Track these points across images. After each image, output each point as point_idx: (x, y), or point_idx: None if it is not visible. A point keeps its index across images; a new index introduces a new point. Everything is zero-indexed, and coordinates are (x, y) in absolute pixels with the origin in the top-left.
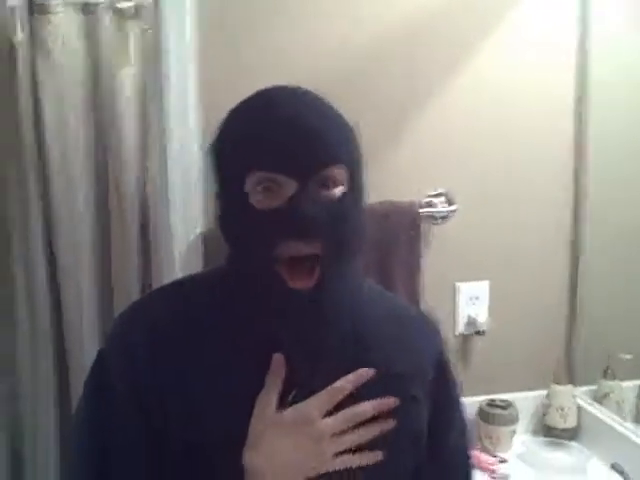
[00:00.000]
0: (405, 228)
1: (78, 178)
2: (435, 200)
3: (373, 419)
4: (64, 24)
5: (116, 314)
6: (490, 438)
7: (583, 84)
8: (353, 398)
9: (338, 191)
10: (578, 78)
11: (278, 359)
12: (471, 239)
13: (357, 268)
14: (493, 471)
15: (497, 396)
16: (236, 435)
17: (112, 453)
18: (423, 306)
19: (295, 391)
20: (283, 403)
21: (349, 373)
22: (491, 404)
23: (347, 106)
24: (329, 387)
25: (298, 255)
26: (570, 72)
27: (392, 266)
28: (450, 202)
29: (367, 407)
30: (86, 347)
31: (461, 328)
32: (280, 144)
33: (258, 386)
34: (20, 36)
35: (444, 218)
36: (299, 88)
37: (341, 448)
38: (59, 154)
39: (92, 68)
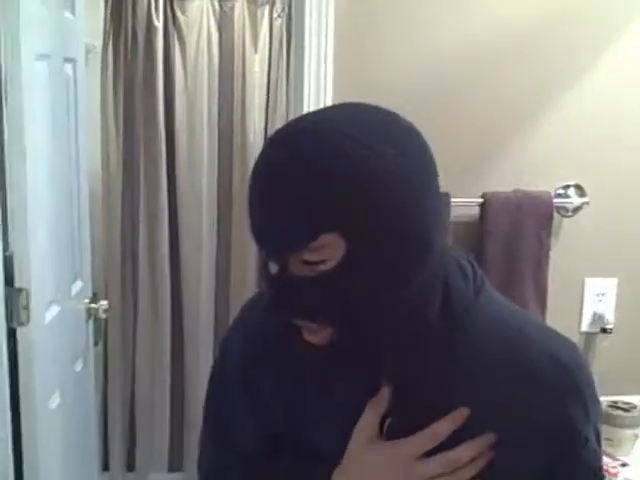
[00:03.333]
0: (537, 218)
1: (203, 166)
2: (567, 192)
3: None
4: (200, 10)
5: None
6: (611, 441)
7: None
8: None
9: (329, 262)
10: None
11: (385, 391)
12: (601, 234)
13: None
14: (615, 474)
15: (621, 398)
16: (330, 455)
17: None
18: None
19: (391, 420)
20: (379, 429)
21: (448, 408)
22: (614, 406)
23: (478, 96)
24: (428, 429)
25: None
26: None
27: (520, 256)
28: (582, 194)
29: (462, 454)
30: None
31: (586, 325)
32: (253, 221)
33: (357, 410)
34: (159, 21)
35: (575, 210)
36: (293, 147)
37: None
38: (186, 138)
39: (225, 53)
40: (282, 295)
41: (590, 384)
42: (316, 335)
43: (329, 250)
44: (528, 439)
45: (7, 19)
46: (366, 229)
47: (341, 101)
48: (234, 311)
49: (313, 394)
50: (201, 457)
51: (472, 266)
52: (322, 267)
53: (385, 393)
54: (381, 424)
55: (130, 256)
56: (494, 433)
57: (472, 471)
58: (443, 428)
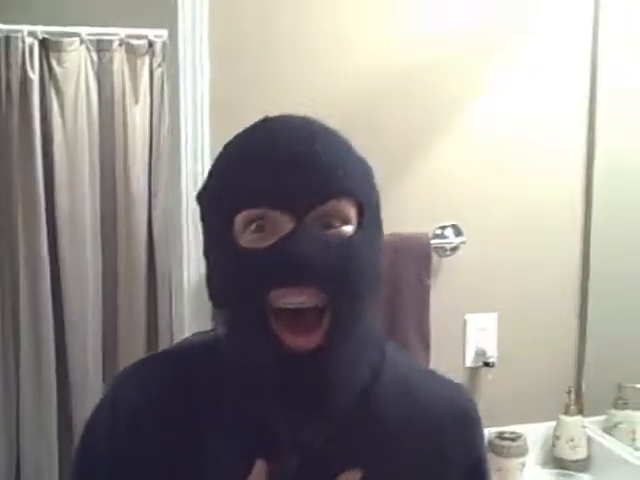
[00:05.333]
0: (416, 260)
1: (86, 222)
2: (444, 232)
3: None
4: (77, 61)
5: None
6: (500, 470)
7: (592, 111)
8: None
9: (346, 229)
10: (590, 110)
11: (259, 467)
12: (480, 271)
13: (371, 325)
14: None
15: (506, 428)
16: None
17: None
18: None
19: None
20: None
21: (346, 465)
22: (500, 436)
23: (356, 134)
24: None
25: (294, 307)
26: (583, 105)
27: (401, 298)
28: (459, 233)
29: None
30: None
31: (470, 360)
32: (270, 174)
33: (244, 470)
34: (34, 72)
35: (453, 250)
36: (303, 118)
37: None
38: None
39: (104, 104)
40: (292, 252)
41: (477, 411)
42: (307, 337)
43: (347, 214)
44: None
45: None
46: (373, 202)
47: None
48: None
49: (209, 454)
50: None
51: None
52: (342, 229)
53: (259, 469)
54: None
55: (11, 331)
56: None
57: None
58: None
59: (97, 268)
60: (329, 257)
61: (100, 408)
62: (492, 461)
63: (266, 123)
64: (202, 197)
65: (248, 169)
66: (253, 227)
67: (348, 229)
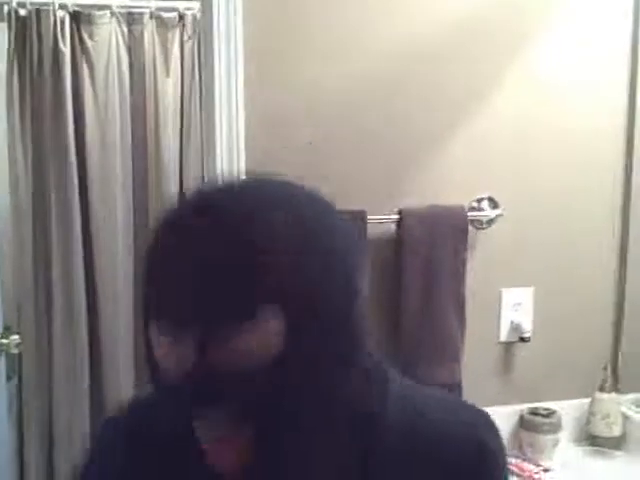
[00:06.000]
0: (452, 231)
1: (117, 193)
2: (480, 205)
3: None
4: (108, 34)
5: None
6: (533, 447)
7: (634, 78)
8: None
9: (262, 353)
10: (631, 76)
11: None
12: (516, 245)
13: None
14: None
15: (540, 404)
16: None
17: None
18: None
19: None
20: None
21: None
22: (534, 412)
23: (391, 114)
24: None
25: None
26: (624, 71)
27: (437, 269)
28: (495, 206)
29: None
30: None
31: (505, 334)
32: (163, 293)
33: None
34: (66, 46)
35: (489, 222)
36: (235, 188)
37: None
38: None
39: (135, 77)
40: (201, 389)
41: (497, 440)
42: (227, 454)
43: (266, 330)
44: None
45: None
46: (305, 299)
47: (253, 122)
48: None
49: None
50: None
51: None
52: (258, 356)
53: None
54: None
55: (44, 286)
56: None
57: None
58: None
59: (128, 240)
60: (245, 390)
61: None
62: (525, 437)
63: (182, 205)
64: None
65: (150, 274)
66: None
67: (270, 347)
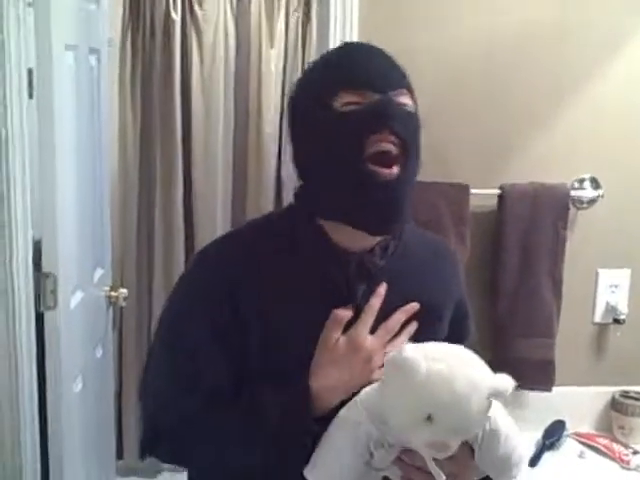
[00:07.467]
0: (553, 209)
1: (218, 158)
2: (582, 184)
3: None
4: (217, 4)
5: None
6: (623, 429)
7: None
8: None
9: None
10: None
11: (347, 309)
12: (615, 226)
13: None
14: (627, 462)
15: (632, 388)
16: (305, 361)
17: (198, 351)
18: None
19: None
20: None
21: (397, 296)
22: (625, 395)
23: (499, 89)
24: (384, 325)
25: (384, 150)
26: None
27: (537, 245)
28: (597, 187)
29: (398, 317)
30: None
31: (599, 315)
32: (365, 65)
33: (327, 315)
34: (177, 14)
35: (590, 202)
36: None
37: (383, 360)
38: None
39: (240, 48)
40: (386, 108)
41: None
42: (390, 170)
43: (409, 97)
44: (449, 296)
45: (39, 7)
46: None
47: None
48: None
49: (293, 315)
50: (150, 382)
51: None
52: (408, 108)
53: (346, 310)
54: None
55: (146, 244)
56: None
57: (405, 336)
58: (397, 321)
59: (226, 213)
60: (405, 116)
61: (187, 285)
62: (616, 419)
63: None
64: (295, 99)
65: (344, 60)
66: (348, 102)
67: (411, 107)
